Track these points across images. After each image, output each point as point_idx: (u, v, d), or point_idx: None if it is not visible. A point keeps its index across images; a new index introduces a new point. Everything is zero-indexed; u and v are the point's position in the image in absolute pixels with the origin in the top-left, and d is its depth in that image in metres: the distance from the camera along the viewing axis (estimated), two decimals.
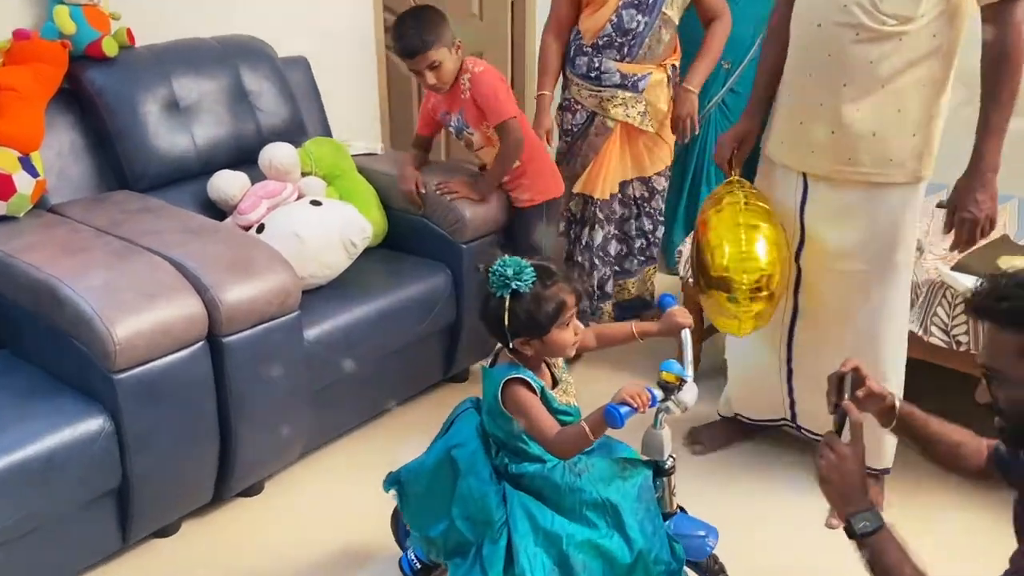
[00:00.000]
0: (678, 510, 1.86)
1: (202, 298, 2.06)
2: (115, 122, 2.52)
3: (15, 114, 2.29)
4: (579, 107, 2.92)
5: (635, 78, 2.83)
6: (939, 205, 2.48)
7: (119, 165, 2.56)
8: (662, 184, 3.06)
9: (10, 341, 2.22)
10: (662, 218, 3.13)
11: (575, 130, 2.95)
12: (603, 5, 2.76)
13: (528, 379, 1.68)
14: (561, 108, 3.00)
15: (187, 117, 2.63)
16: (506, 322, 1.64)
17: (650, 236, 3.12)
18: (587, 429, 1.60)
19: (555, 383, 1.79)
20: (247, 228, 2.52)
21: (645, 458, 1.80)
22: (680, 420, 2.68)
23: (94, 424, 1.93)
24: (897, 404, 1.62)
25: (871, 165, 2.05)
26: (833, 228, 2.16)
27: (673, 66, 2.92)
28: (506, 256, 1.66)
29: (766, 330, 2.28)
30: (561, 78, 2.97)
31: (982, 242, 2.10)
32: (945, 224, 2.05)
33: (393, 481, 1.89)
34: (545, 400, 1.71)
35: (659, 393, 1.64)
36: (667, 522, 1.82)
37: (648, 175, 3.01)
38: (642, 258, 3.15)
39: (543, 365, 1.79)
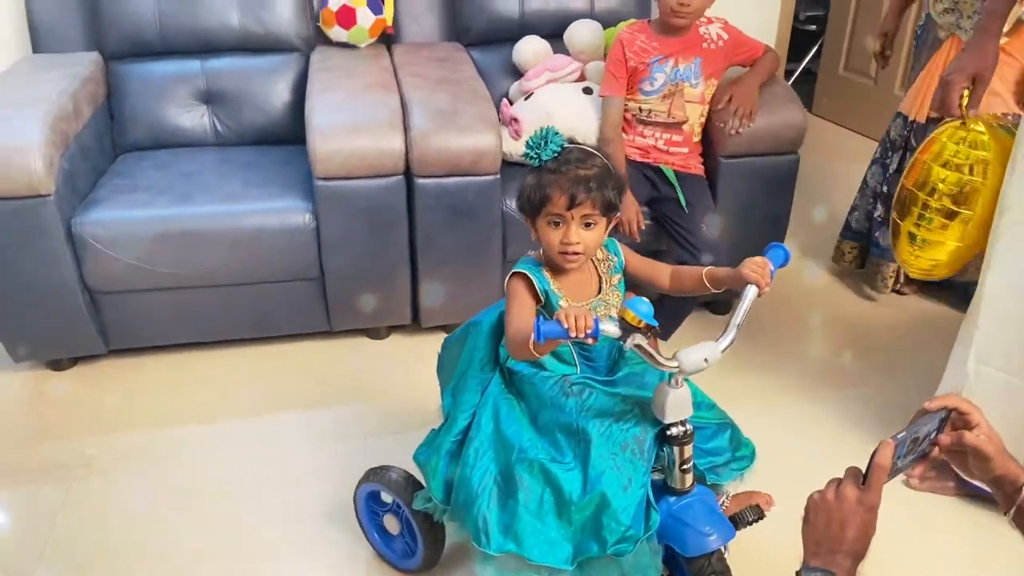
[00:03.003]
0: (693, 490, 1.59)
1: (405, 138, 2.29)
2: None
3: None
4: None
5: None
6: None
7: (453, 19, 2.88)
8: None
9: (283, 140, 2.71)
10: None
11: (919, 33, 2.52)
12: None
13: (533, 278, 1.56)
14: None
15: None
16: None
17: None
18: (531, 335, 1.42)
19: (598, 294, 1.62)
20: (525, 94, 2.63)
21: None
22: None
23: (299, 217, 2.34)
24: None
25: None
26: None
27: None
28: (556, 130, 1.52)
29: None
30: None
31: None
32: None
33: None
34: (550, 307, 1.57)
35: (610, 329, 1.40)
36: (672, 499, 1.58)
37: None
38: None
39: (588, 269, 1.62)
